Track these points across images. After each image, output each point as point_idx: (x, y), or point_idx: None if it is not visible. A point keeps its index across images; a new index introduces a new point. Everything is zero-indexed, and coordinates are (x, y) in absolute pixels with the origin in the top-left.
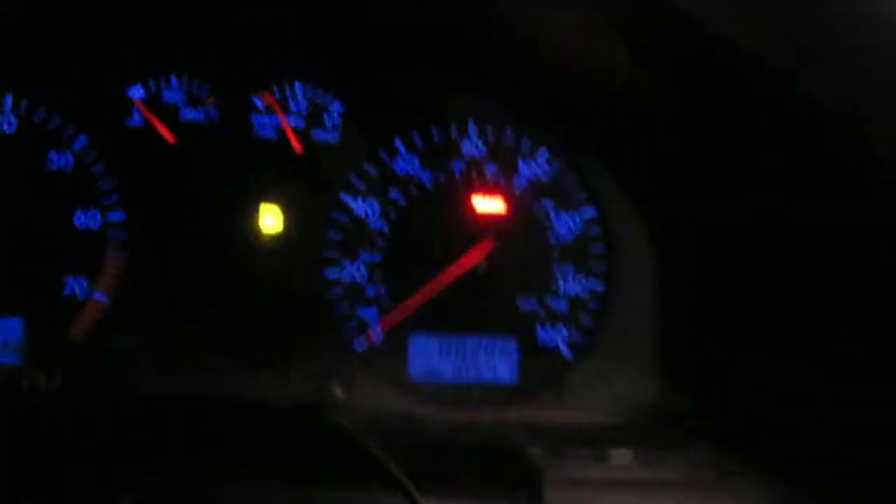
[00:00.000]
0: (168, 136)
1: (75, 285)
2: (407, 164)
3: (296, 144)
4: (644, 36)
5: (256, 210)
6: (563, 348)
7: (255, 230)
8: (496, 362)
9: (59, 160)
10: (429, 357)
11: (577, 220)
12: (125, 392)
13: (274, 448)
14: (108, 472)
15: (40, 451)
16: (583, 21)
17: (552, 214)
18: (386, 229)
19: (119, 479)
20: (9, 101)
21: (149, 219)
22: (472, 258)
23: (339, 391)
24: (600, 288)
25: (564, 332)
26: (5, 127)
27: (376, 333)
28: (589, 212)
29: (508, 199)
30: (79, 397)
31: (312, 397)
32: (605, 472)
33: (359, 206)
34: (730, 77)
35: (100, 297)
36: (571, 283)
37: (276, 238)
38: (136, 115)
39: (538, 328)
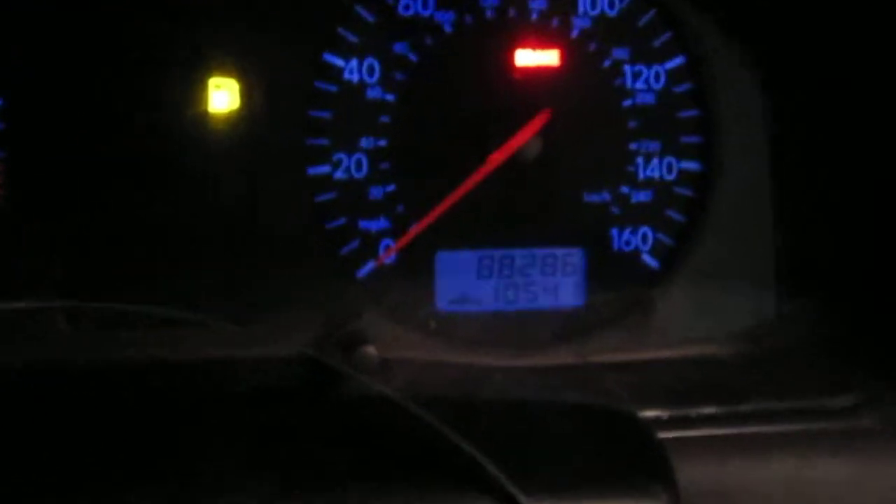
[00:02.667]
0: None
1: None
2: (417, 1)
3: None
4: None
5: (202, 81)
6: (648, 257)
7: (200, 111)
8: (557, 282)
9: None
10: (463, 281)
11: (661, 73)
12: (42, 364)
13: (276, 437)
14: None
15: None
16: None
17: (626, 67)
18: (392, 101)
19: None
20: None
21: (33, 102)
22: (521, 139)
23: (371, 349)
24: (696, 168)
25: (648, 233)
26: None
27: (388, 254)
28: (676, 61)
29: (564, 47)
30: None
31: (313, 357)
32: (740, 428)
33: (351, 69)
34: None
35: None
36: (656, 165)
37: (233, 122)
38: None
39: (612, 231)
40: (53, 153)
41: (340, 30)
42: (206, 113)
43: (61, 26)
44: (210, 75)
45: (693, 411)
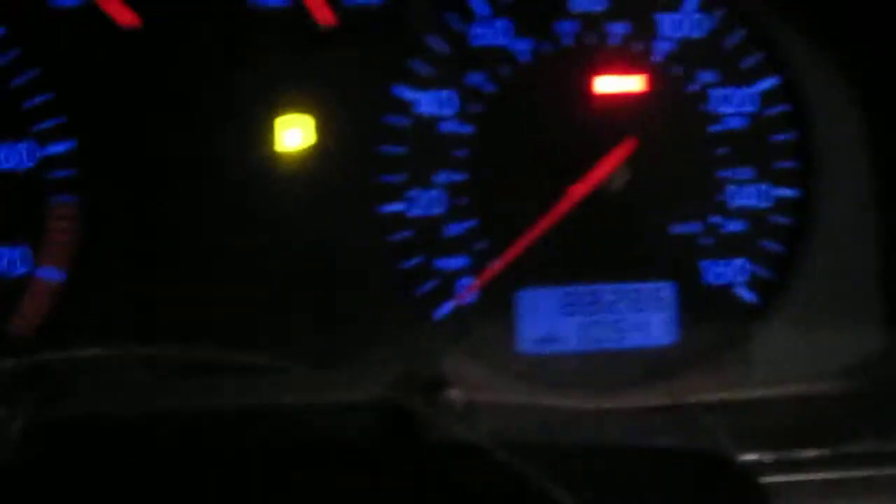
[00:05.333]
0: (123, 17)
1: (11, 259)
2: (491, 31)
3: (321, 13)
4: None
5: (269, 121)
6: (743, 290)
7: (270, 151)
8: (646, 318)
9: None
10: (547, 320)
11: (752, 95)
12: (120, 415)
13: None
14: None
15: None
16: None
17: (715, 91)
18: (469, 134)
19: None
20: None
21: (107, 147)
22: (605, 170)
23: (455, 392)
24: (793, 194)
25: (744, 266)
26: None
27: (468, 293)
28: (769, 82)
29: (647, 73)
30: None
31: (396, 401)
32: (847, 472)
33: (425, 102)
34: None
35: (47, 272)
36: (750, 193)
37: (304, 161)
38: None
39: (703, 264)
40: (126, 195)
41: (411, 62)
42: (275, 153)
43: (133, 69)
44: (279, 114)
45: (797, 454)
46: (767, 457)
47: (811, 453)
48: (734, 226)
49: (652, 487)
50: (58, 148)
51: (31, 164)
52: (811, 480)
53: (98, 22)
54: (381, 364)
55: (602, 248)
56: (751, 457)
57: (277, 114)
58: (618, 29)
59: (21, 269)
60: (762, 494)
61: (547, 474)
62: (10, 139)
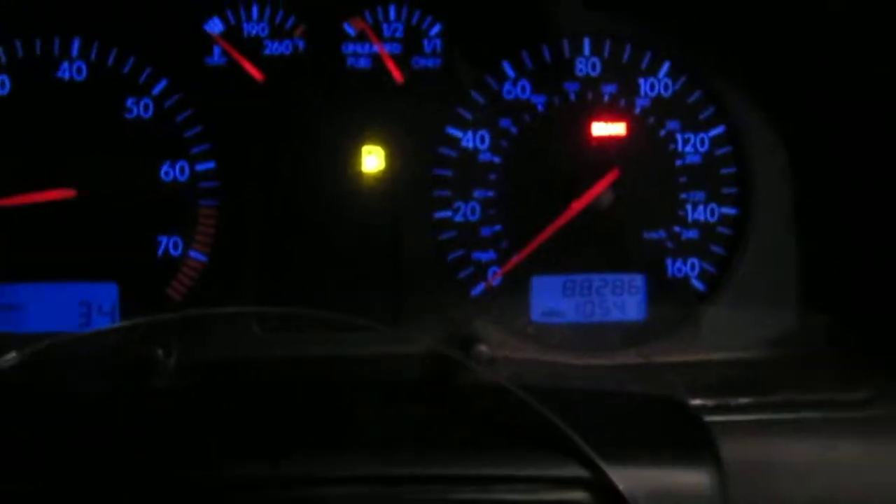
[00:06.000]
0: (254, 73)
1: (169, 244)
2: (517, 88)
3: (395, 73)
4: None
5: (356, 149)
6: (695, 281)
7: (356, 171)
8: (624, 300)
9: (137, 108)
10: (551, 298)
11: (706, 139)
12: (238, 358)
13: (413, 416)
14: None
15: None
16: None
17: (678, 135)
18: (499, 162)
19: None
20: (76, 45)
21: (240, 166)
22: (597, 191)
23: (483, 347)
24: (733, 212)
25: (696, 263)
26: (75, 74)
27: (495, 278)
28: (718, 130)
29: (630, 121)
30: (195, 371)
31: (443, 353)
32: (771, 415)
33: (467, 139)
34: None
35: (196, 255)
36: (701, 210)
37: (380, 179)
38: (216, 52)
39: (667, 261)
40: (253, 200)
41: (459, 109)
42: (360, 173)
43: (260, 110)
44: (363, 143)
45: (733, 401)
46: (710, 402)
47: (744, 400)
48: (690, 234)
49: (626, 423)
50: (205, 166)
51: (185, 178)
52: (744, 420)
53: (236, 76)
54: (432, 326)
55: (593, 248)
56: (698, 402)
57: (362, 144)
58: (609, 89)
59: (177, 252)
60: (706, 430)
61: (549, 409)
62: (172, 159)
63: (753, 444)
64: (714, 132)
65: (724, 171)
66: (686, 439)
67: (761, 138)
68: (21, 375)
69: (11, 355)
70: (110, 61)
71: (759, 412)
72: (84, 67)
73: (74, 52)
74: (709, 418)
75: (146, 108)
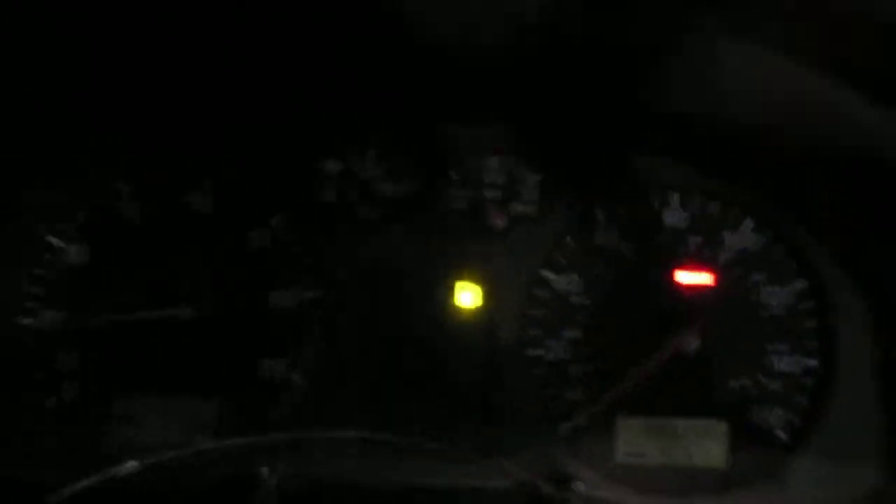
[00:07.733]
0: (364, 212)
1: (272, 367)
2: (608, 236)
3: (495, 218)
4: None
5: (453, 285)
6: (779, 431)
7: (453, 307)
8: (707, 446)
9: (258, 239)
10: (636, 440)
11: (789, 292)
12: (336, 483)
13: None
14: None
15: None
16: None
17: (762, 288)
18: (588, 305)
19: None
20: (208, 183)
21: (345, 296)
22: (682, 338)
23: (581, 484)
24: (816, 365)
25: (780, 413)
26: (202, 207)
27: (583, 417)
28: (800, 283)
29: (715, 272)
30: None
31: (534, 489)
32: None
33: (560, 282)
34: None
35: (297, 378)
36: (785, 361)
37: (476, 315)
38: (331, 191)
39: (752, 410)
40: (354, 332)
41: (553, 254)
42: (455, 307)
43: (366, 249)
44: (459, 280)
45: None
46: None
47: None
48: (775, 384)
49: None
50: (311, 294)
51: (294, 305)
52: None
53: (344, 214)
54: (521, 459)
55: (678, 392)
56: None
57: (458, 280)
58: (695, 240)
59: (279, 375)
60: None
61: None
62: (284, 286)
63: None
64: (798, 286)
65: (807, 324)
66: None
67: (843, 295)
68: (132, 485)
69: (132, 464)
70: (234, 196)
71: None
72: (210, 201)
73: (207, 186)
74: None
75: (264, 238)
